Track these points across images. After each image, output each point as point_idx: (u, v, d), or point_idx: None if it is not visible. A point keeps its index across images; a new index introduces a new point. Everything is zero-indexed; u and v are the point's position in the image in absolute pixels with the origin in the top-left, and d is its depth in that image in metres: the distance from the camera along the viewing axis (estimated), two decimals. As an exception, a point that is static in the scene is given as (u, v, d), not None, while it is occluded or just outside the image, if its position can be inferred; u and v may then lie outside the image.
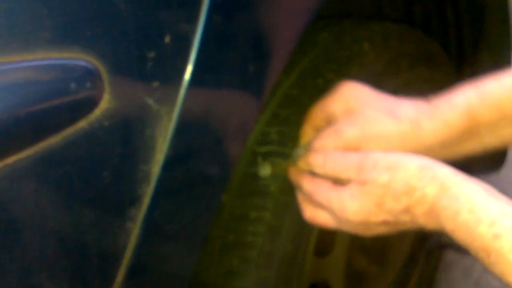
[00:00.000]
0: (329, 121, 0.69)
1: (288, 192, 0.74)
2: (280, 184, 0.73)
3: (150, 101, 0.51)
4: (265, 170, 0.74)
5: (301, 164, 0.69)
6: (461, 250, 1.06)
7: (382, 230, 0.63)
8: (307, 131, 0.72)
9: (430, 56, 0.99)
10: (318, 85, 0.77)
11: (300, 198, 0.70)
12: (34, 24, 0.42)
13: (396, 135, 0.65)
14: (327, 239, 0.89)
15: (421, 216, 0.58)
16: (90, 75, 0.45)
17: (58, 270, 0.52)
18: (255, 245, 0.74)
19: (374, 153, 0.62)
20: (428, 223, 0.58)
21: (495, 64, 1.06)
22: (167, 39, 0.50)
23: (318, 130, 0.70)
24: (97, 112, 0.47)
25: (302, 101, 0.75)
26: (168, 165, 0.54)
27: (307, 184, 0.67)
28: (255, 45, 0.59)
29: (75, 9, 0.44)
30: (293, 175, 0.70)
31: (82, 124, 0.47)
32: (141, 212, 0.55)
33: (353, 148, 0.65)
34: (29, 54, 0.42)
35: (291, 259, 0.78)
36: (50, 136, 0.45)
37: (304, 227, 0.78)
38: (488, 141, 0.66)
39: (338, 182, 0.65)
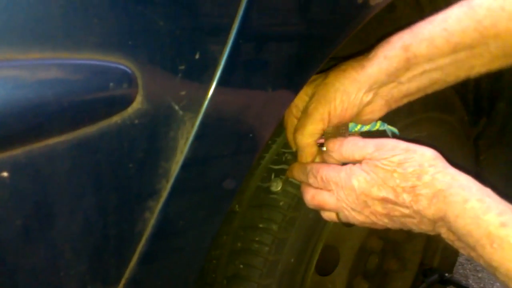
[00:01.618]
0: None
1: (295, 208, 0.80)
2: (289, 200, 0.79)
3: (176, 107, 0.58)
4: (277, 186, 0.80)
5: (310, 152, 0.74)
6: (462, 287, 1.09)
7: (380, 212, 0.65)
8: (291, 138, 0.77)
9: (446, 102, 1.04)
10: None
11: (303, 185, 0.74)
12: (85, 29, 0.50)
13: (348, 83, 0.70)
14: (330, 258, 0.94)
15: (423, 198, 0.60)
16: (127, 78, 0.53)
17: (80, 247, 0.58)
18: (261, 253, 0.79)
19: (393, 140, 0.66)
20: (428, 207, 0.60)
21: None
22: (197, 56, 0.58)
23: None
24: (130, 110, 0.55)
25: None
26: (186, 165, 0.61)
27: (316, 165, 0.71)
28: (275, 70, 0.65)
29: (121, 21, 0.52)
30: (298, 167, 0.75)
31: (116, 119, 0.54)
32: (158, 204, 0.61)
33: (326, 117, 0.71)
34: (77, 53, 0.50)
35: (293, 272, 0.84)
36: (88, 125, 0.52)
37: (308, 243, 0.84)
38: (435, 76, 0.70)
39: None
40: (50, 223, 0.55)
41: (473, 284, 1.55)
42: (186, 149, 0.61)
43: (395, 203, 0.63)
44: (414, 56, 0.68)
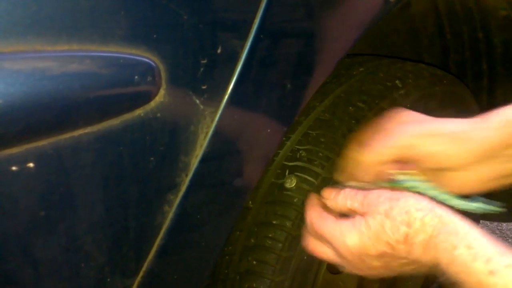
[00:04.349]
0: None
1: (309, 205, 0.80)
2: (303, 197, 0.80)
3: (197, 101, 0.59)
4: (291, 183, 0.80)
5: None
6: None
7: (377, 266, 0.65)
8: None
9: (460, 100, 1.04)
10: (349, 113, 0.84)
11: (305, 229, 0.75)
12: (112, 21, 0.50)
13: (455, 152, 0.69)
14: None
15: (418, 246, 0.60)
16: (152, 71, 0.53)
17: (100, 239, 0.58)
18: (274, 250, 0.80)
19: (378, 190, 0.67)
20: (424, 254, 0.60)
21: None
22: (219, 50, 0.58)
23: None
24: (153, 104, 0.55)
25: (332, 125, 0.82)
26: (205, 160, 0.61)
27: (313, 216, 0.72)
28: (294, 67, 0.66)
29: (146, 15, 0.52)
30: (308, 203, 0.76)
31: (139, 112, 0.55)
32: (177, 198, 0.62)
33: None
34: (104, 46, 0.51)
35: (305, 270, 0.84)
36: (112, 117, 0.53)
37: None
38: None
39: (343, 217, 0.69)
40: (72, 214, 0.55)
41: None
42: (205, 143, 0.61)
43: (392, 256, 0.64)
44: None
